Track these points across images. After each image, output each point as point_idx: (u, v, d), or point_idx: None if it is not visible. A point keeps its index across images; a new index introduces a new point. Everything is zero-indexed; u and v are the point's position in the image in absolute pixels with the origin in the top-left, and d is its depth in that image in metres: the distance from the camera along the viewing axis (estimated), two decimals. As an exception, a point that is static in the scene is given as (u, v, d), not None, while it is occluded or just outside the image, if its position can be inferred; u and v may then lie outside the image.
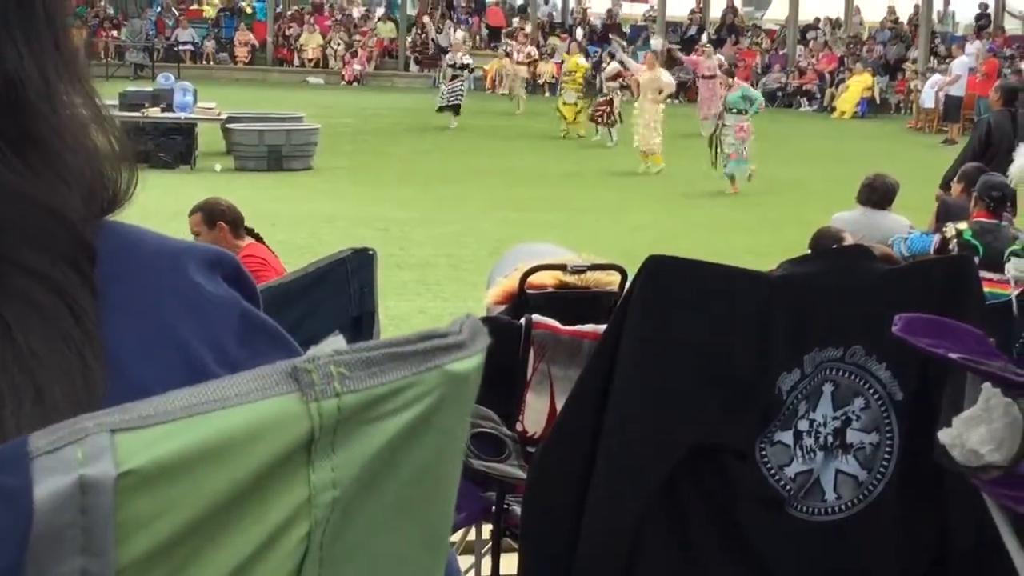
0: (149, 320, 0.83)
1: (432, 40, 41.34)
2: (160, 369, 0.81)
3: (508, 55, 35.03)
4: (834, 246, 6.87)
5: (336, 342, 0.73)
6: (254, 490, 0.63)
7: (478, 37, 43.09)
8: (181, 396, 0.63)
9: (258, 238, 6.77)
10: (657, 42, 34.29)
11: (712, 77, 28.82)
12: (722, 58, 30.60)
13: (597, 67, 29.55)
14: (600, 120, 24.11)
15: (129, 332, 0.81)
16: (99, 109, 0.90)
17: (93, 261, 0.82)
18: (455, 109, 27.07)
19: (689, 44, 38.25)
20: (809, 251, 7.12)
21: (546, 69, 38.88)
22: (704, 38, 38.26)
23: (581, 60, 27.62)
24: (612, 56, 25.73)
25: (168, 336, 0.83)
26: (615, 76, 24.36)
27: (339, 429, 0.64)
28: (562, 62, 32.63)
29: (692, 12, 44.24)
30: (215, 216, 6.68)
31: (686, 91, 32.55)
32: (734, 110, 18.26)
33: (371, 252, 3.41)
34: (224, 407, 0.62)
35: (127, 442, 0.61)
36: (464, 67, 27.94)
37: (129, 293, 0.83)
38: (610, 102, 23.85)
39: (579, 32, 32.67)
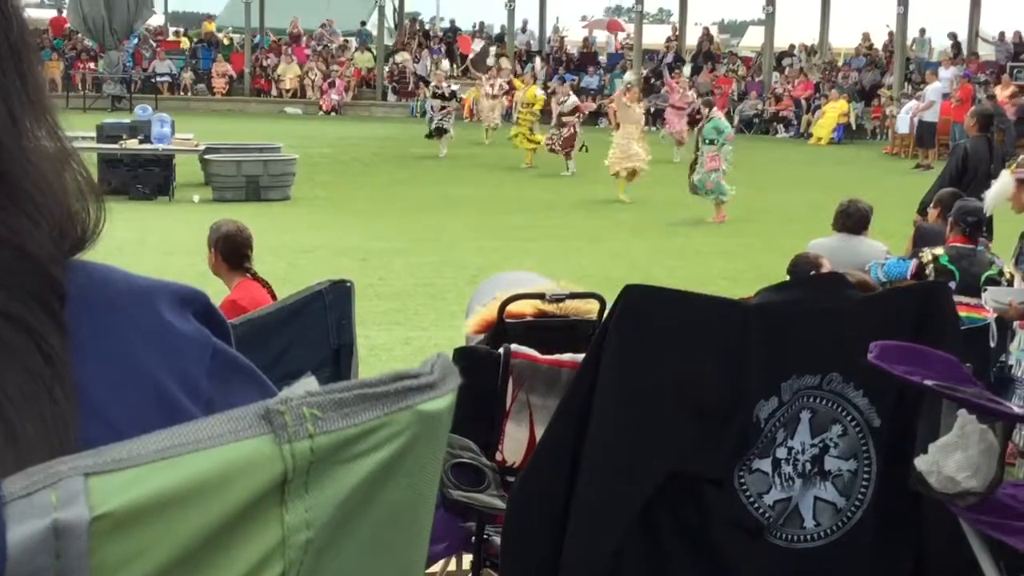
0: (120, 358, 0.83)
1: (413, 72, 41.40)
2: (132, 407, 0.81)
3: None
4: (811, 273, 6.90)
5: (308, 383, 0.73)
6: (228, 532, 0.64)
7: (454, 66, 43.21)
8: (155, 439, 0.63)
9: (255, 276, 6.66)
10: (631, 76, 34.44)
11: (682, 109, 28.99)
12: (694, 95, 30.68)
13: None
14: (566, 153, 24.08)
15: (100, 370, 0.81)
16: (65, 145, 0.90)
17: (63, 300, 0.82)
18: (441, 132, 27.15)
19: (665, 72, 38.39)
20: (787, 277, 7.16)
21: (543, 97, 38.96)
22: (687, 70, 38.39)
23: (539, 92, 27.47)
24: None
25: (139, 374, 0.83)
26: (574, 110, 24.38)
27: (312, 470, 0.65)
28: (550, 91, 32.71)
29: (668, 40, 44.46)
30: (211, 238, 6.59)
31: (660, 118, 32.66)
32: (707, 140, 18.34)
33: (348, 284, 3.41)
34: (197, 449, 0.63)
35: (101, 486, 0.61)
36: (452, 95, 27.99)
37: (99, 332, 0.83)
38: (573, 135, 23.88)
39: (536, 62, 32.46)
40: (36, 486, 0.60)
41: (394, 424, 0.66)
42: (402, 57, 41.83)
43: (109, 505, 0.61)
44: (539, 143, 25.35)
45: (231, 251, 6.51)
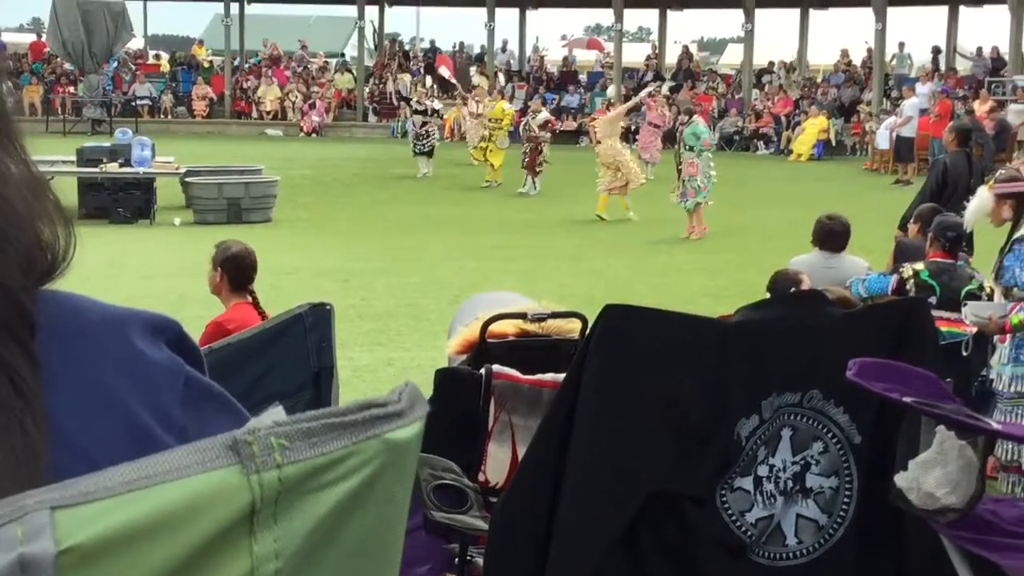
0: (91, 388, 0.83)
1: (396, 92, 41.42)
2: (103, 437, 0.81)
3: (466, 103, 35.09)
4: (792, 290, 6.91)
5: (276, 413, 0.73)
6: (197, 563, 0.63)
7: (434, 87, 43.24)
8: (122, 471, 0.63)
9: (254, 300, 6.62)
10: (612, 91, 34.50)
11: (659, 127, 29.05)
12: (668, 113, 30.75)
13: (524, 113, 29.30)
14: (533, 169, 23.99)
15: (71, 401, 0.81)
16: (32, 170, 0.89)
17: (33, 330, 0.82)
18: (429, 154, 27.14)
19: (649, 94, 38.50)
20: (767, 293, 7.17)
21: (512, 112, 39.03)
22: (666, 88, 38.49)
23: (507, 107, 27.33)
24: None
25: (111, 403, 0.83)
26: (545, 124, 24.36)
27: (281, 500, 0.65)
28: (526, 108, 32.68)
29: (648, 58, 44.61)
30: (218, 259, 6.53)
31: (635, 137, 32.77)
32: (687, 146, 18.42)
33: (328, 307, 3.40)
34: (165, 481, 0.63)
35: (67, 519, 0.61)
36: (435, 112, 27.94)
37: (70, 362, 0.83)
38: (540, 150, 23.82)
39: (501, 78, 32.30)
40: (2, 520, 0.60)
41: (362, 453, 0.66)
42: (402, 79, 41.77)
43: (76, 538, 0.60)
44: (495, 164, 25.23)
45: (237, 272, 6.47)
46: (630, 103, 24.11)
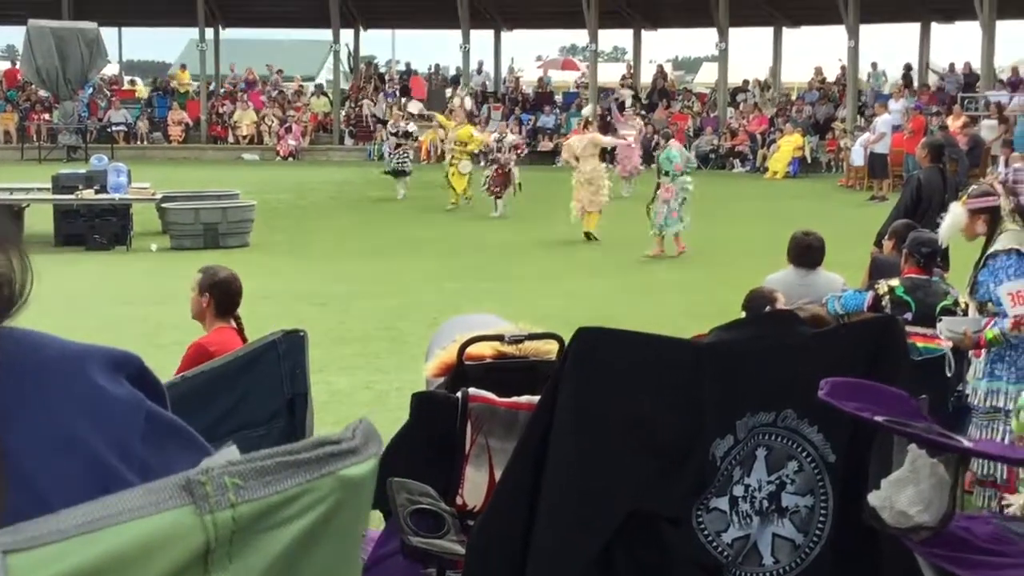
0: (50, 427, 0.83)
1: (372, 115, 41.44)
2: (63, 476, 0.81)
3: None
4: (766, 308, 6.93)
5: (230, 452, 0.73)
6: (151, 604, 0.63)
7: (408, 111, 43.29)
8: (75, 514, 0.63)
9: (240, 326, 6.62)
10: (588, 110, 34.55)
11: (629, 145, 29.16)
12: (631, 134, 30.86)
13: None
14: (496, 192, 23.84)
15: (30, 440, 0.81)
16: None
17: None
18: (401, 174, 27.06)
19: (620, 110, 38.66)
20: (743, 312, 7.19)
21: (480, 138, 39.08)
22: (628, 105, 38.56)
23: (475, 132, 27.09)
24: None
25: (71, 442, 0.83)
26: (512, 148, 24.26)
27: (235, 539, 0.65)
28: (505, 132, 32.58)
29: (623, 78, 44.75)
30: (206, 285, 6.52)
31: (612, 156, 32.88)
32: (663, 171, 18.48)
33: (302, 333, 3.40)
34: (118, 523, 0.63)
35: (20, 562, 0.61)
36: (407, 135, 27.83)
37: (29, 400, 0.83)
38: (507, 173, 23.69)
39: (467, 101, 32.14)
40: (-46, 565, 0.60)
41: (317, 491, 0.66)
42: (368, 104, 41.76)
43: (28, 583, 0.60)
44: (457, 188, 25.09)
45: (225, 298, 6.48)
46: (607, 140, 23.67)
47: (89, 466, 0.83)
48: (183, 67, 48.11)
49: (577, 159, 20.69)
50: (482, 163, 24.02)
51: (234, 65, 45.67)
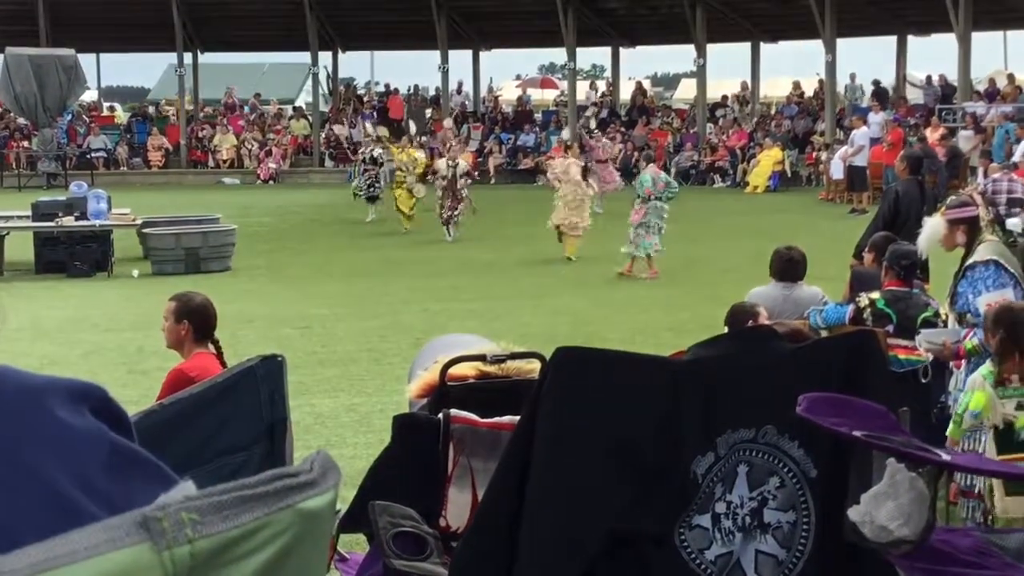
0: (10, 463, 0.82)
1: (348, 137, 41.46)
2: (26, 512, 0.80)
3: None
4: (749, 322, 6.94)
5: (187, 487, 0.73)
6: (109, 642, 0.63)
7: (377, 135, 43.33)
8: (30, 553, 0.63)
9: (216, 349, 6.60)
10: (566, 133, 34.66)
11: (604, 162, 29.26)
12: (587, 158, 31.06)
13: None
14: (448, 219, 23.58)
15: None
16: None
17: None
18: (372, 200, 26.94)
19: (601, 127, 38.74)
20: (726, 327, 7.20)
21: (461, 158, 39.11)
22: (593, 123, 38.58)
23: (420, 155, 26.82)
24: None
25: (32, 477, 0.82)
26: (466, 173, 24.09)
27: (194, 575, 0.64)
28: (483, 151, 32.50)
29: (602, 96, 44.88)
30: (183, 312, 6.49)
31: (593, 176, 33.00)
32: (637, 195, 18.57)
33: (280, 359, 3.38)
34: (74, 561, 0.62)
35: (-26, 603, 0.60)
36: (374, 160, 27.60)
37: None
38: (461, 200, 23.43)
39: (412, 127, 31.98)
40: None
41: (275, 524, 0.65)
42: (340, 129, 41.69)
43: (-18, 623, 0.60)
44: (405, 211, 24.93)
45: (203, 323, 6.46)
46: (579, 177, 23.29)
47: (52, 500, 0.82)
48: (144, 93, 47.90)
49: (559, 181, 20.73)
50: (437, 190, 23.76)
51: (234, 89, 45.60)
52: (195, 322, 6.41)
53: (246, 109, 45.18)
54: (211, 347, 6.51)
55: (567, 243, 20.25)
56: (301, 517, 0.67)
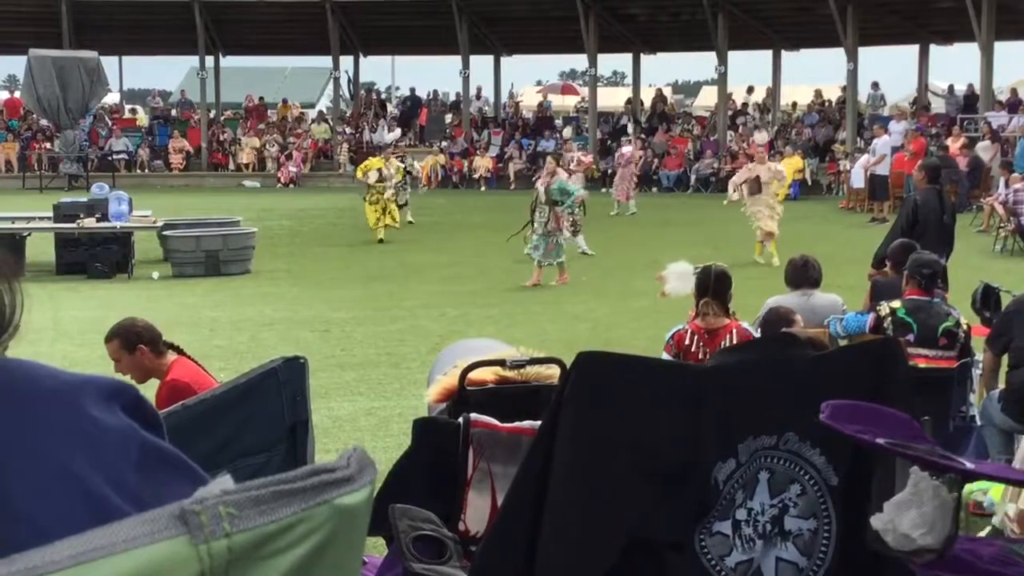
0: (44, 459, 0.82)
1: (367, 142, 41.54)
2: (58, 507, 0.80)
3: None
4: (783, 329, 6.93)
5: (224, 481, 0.73)
6: (146, 635, 0.63)
7: (412, 135, 43.47)
8: (70, 544, 0.63)
9: (180, 351, 6.62)
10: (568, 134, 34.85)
11: (627, 167, 29.52)
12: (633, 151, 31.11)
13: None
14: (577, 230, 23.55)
15: (21, 472, 0.81)
16: None
17: None
18: (401, 206, 26.96)
19: (620, 133, 38.74)
20: (759, 333, 7.20)
21: (481, 163, 39.25)
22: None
23: (398, 163, 26.62)
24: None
25: (63, 473, 0.83)
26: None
27: (231, 569, 0.64)
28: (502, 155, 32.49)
29: (628, 102, 44.88)
30: (132, 340, 6.45)
31: (610, 179, 33.22)
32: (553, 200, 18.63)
33: (302, 360, 3.39)
34: (112, 554, 0.62)
35: (14, 594, 0.61)
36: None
37: (21, 432, 0.83)
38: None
39: (387, 136, 31.79)
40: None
41: (312, 519, 0.66)
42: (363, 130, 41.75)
43: (23, 614, 0.60)
44: (380, 219, 24.85)
45: (153, 337, 6.48)
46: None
47: (84, 497, 0.83)
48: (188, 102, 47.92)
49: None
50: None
51: (252, 96, 45.71)
52: (146, 341, 6.42)
53: (268, 112, 45.30)
54: (172, 352, 6.54)
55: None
56: (338, 513, 0.67)
